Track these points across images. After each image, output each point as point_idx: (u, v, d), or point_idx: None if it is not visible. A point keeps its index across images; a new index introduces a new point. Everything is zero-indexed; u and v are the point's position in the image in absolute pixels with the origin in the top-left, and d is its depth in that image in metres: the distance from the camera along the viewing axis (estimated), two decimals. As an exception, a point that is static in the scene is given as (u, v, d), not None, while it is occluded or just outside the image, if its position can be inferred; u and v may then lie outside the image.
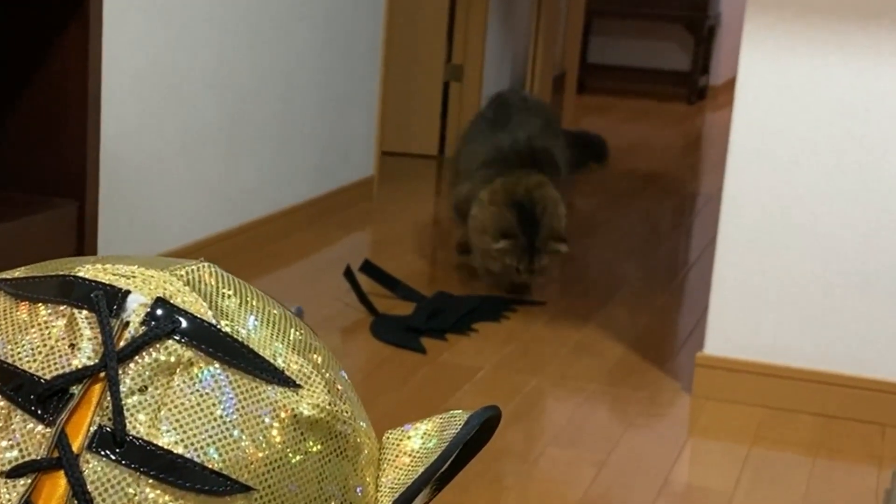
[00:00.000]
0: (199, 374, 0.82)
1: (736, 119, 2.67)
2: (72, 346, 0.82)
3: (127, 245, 3.05)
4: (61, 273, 0.87)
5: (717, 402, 2.73)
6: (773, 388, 2.71)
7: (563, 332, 3.15)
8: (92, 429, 0.80)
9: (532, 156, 3.40)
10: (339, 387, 0.89)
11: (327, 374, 0.88)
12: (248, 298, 0.88)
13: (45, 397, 0.80)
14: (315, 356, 0.88)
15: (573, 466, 2.38)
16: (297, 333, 0.89)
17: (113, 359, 0.81)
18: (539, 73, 5.39)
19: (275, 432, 0.83)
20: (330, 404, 0.86)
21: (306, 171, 3.99)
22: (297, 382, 0.85)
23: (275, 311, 0.89)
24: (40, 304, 0.85)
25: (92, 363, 0.81)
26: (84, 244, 1.96)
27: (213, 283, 0.88)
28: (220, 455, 0.80)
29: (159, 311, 0.84)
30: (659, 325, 3.29)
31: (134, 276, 0.86)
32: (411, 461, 0.91)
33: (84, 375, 0.81)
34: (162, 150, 3.17)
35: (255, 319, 0.87)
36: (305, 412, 0.85)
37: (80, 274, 0.86)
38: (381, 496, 0.89)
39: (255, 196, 3.69)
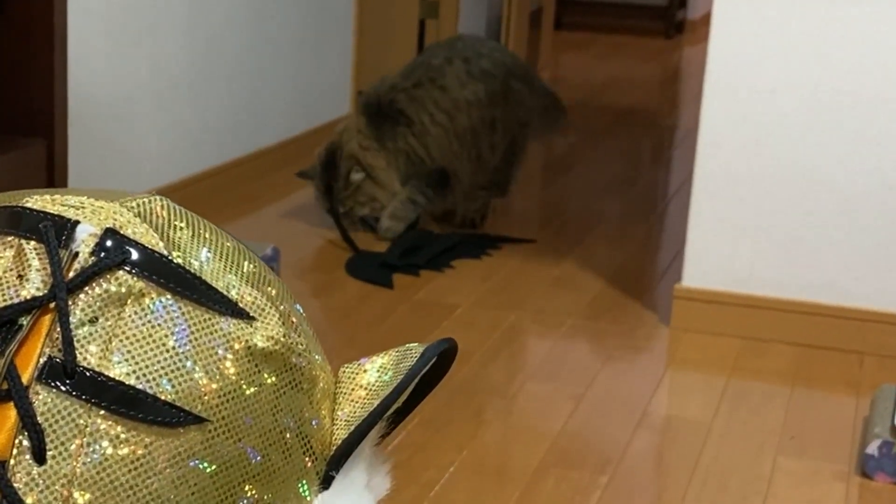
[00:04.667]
0: (151, 305, 0.81)
1: (712, 51, 2.65)
2: (20, 276, 0.80)
3: (93, 183, 3.02)
4: (9, 204, 0.85)
5: (695, 333, 2.73)
6: (751, 319, 2.71)
7: (541, 268, 3.14)
8: (41, 360, 0.79)
9: (378, 108, 3.35)
10: (294, 319, 0.88)
11: (282, 307, 0.87)
12: (201, 231, 0.87)
13: None
14: (269, 289, 0.87)
15: (552, 401, 2.38)
16: (251, 266, 0.88)
17: (62, 289, 0.79)
18: (515, 8, 5.35)
19: (228, 364, 0.82)
20: (284, 336, 0.85)
21: (281, 111, 3.95)
22: (251, 314, 0.84)
23: (228, 244, 0.88)
24: None
25: (41, 294, 0.80)
26: (54, 183, 1.94)
27: (165, 215, 0.86)
28: (173, 386, 0.79)
29: (109, 242, 0.82)
30: (638, 258, 3.29)
31: (83, 207, 0.84)
32: (367, 394, 0.90)
33: (32, 306, 0.79)
34: (133, 90, 3.14)
35: (208, 251, 0.85)
36: (259, 344, 0.83)
37: (28, 205, 0.85)
38: (337, 429, 0.88)
39: (228, 137, 3.65)
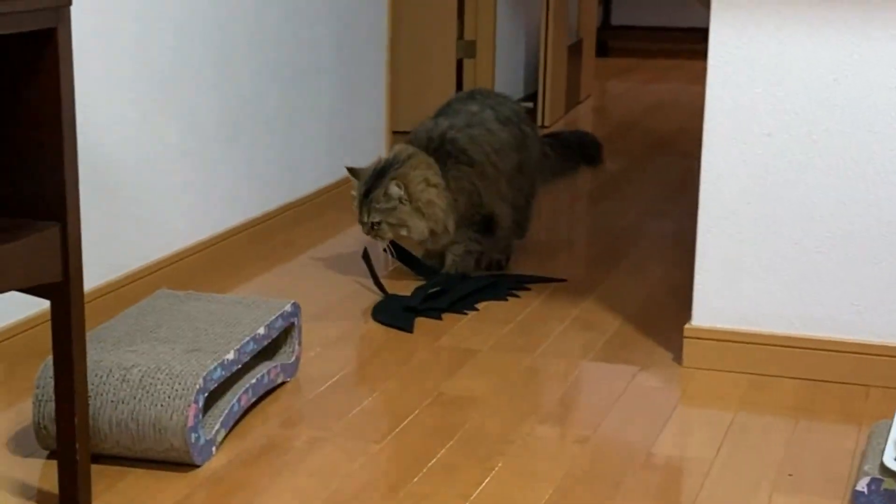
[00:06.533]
0: None
1: (709, 98, 2.73)
2: None
3: (131, 245, 3.13)
4: None
5: (706, 371, 2.81)
6: (759, 356, 2.78)
7: (562, 308, 3.23)
8: None
9: (440, 144, 3.41)
10: None
11: None
12: None
13: None
14: None
15: (559, 444, 2.47)
16: None
17: None
18: (552, 43, 5.45)
19: None
20: None
21: (316, 161, 4.08)
22: None
23: None
24: None
25: None
26: (69, 263, 2.07)
27: None
28: None
29: None
30: (659, 294, 3.36)
31: None
32: None
33: None
34: (164, 150, 3.28)
35: None
36: None
37: None
38: None
39: (264, 189, 3.79)
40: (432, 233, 3.33)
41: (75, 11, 2.78)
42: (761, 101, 2.70)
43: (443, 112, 3.57)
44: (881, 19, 2.60)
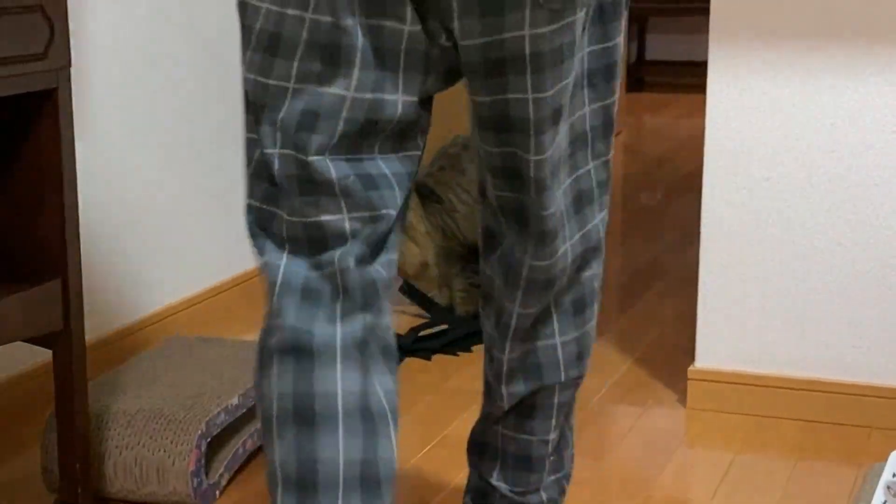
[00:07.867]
0: None
1: (708, 142, 2.77)
2: None
3: (149, 288, 3.19)
4: None
5: (709, 413, 2.84)
6: (762, 398, 2.81)
7: (574, 349, 3.26)
8: None
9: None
10: None
11: None
12: None
13: None
14: None
15: (557, 486, 2.50)
16: None
17: None
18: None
19: None
20: None
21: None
22: None
23: None
24: None
25: None
26: (70, 313, 2.14)
27: None
28: None
29: None
30: (668, 336, 3.39)
31: None
32: None
33: None
34: (184, 195, 3.36)
35: None
36: None
37: None
38: None
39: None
40: (422, 265, 3.47)
41: (98, 59, 2.87)
42: (759, 146, 2.73)
43: (432, 157, 3.78)
44: (876, 64, 2.63)
